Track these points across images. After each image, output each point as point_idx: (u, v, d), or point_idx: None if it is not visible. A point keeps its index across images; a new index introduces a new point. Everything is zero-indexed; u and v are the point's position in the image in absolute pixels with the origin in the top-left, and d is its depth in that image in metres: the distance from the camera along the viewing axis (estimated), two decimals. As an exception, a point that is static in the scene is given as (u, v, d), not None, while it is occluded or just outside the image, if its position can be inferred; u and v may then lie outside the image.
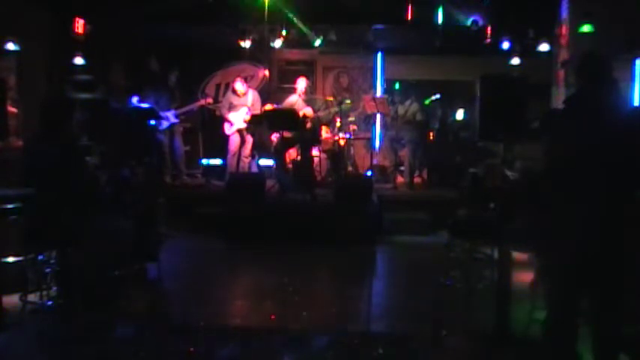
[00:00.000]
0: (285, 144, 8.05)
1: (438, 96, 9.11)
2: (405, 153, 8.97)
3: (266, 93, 9.48)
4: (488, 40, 8.92)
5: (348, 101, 8.86)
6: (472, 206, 5.18)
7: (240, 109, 8.50)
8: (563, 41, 8.16)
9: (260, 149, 9.27)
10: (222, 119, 8.65)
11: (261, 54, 9.93)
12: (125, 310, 4.42)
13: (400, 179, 9.08)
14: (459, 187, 6.18)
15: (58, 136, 4.13)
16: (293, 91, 8.33)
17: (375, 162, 9.27)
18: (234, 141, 8.60)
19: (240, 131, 8.57)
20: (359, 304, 4.92)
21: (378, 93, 9.96)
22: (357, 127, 9.40)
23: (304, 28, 9.24)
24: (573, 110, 3.05)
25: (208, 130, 9.63)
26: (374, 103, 8.70)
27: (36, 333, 3.97)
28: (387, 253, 6.84)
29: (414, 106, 8.70)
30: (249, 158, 8.83)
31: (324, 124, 8.69)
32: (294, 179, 8.02)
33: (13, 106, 7.39)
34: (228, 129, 8.58)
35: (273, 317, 4.47)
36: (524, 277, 4.36)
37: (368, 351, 3.84)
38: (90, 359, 3.71)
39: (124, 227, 4.53)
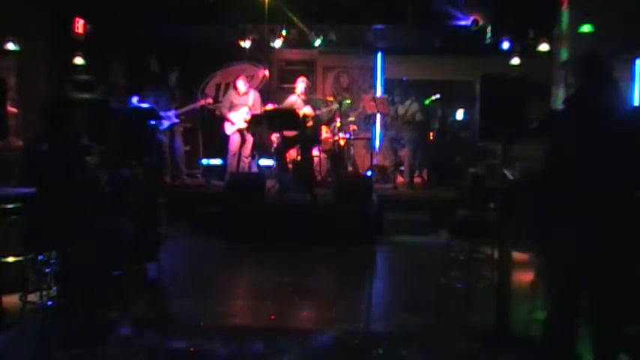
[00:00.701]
0: (285, 144, 8.05)
1: (438, 96, 9.11)
2: (405, 153, 8.97)
3: (266, 93, 9.48)
4: (489, 40, 8.92)
5: (348, 101, 8.86)
6: (472, 206, 5.17)
7: (241, 109, 8.50)
8: (563, 41, 8.16)
9: (260, 149, 9.27)
10: (223, 119, 8.65)
11: (261, 54, 9.93)
12: (125, 310, 4.41)
13: (400, 179, 9.09)
14: (458, 187, 6.18)
15: (59, 136, 4.13)
16: (293, 91, 8.33)
17: (375, 162, 9.27)
18: (235, 141, 8.60)
19: (240, 131, 8.58)
20: (359, 304, 4.92)
21: (378, 93, 9.96)
22: (357, 127, 9.40)
23: (304, 28, 9.24)
24: (573, 110, 3.05)
25: (208, 130, 9.63)
26: (374, 103, 8.70)
27: (36, 333, 3.97)
28: (387, 253, 6.84)
29: (414, 106, 8.71)
30: (250, 158, 8.83)
31: (324, 124, 8.68)
32: (294, 179, 8.02)
33: (13, 106, 7.40)
34: (228, 129, 8.58)
35: (273, 317, 4.47)
36: (524, 277, 4.36)
37: (368, 351, 3.84)
38: (90, 359, 3.71)
39: (124, 227, 4.53)
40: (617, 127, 2.93)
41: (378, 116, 9.67)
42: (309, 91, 8.39)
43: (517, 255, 4.19)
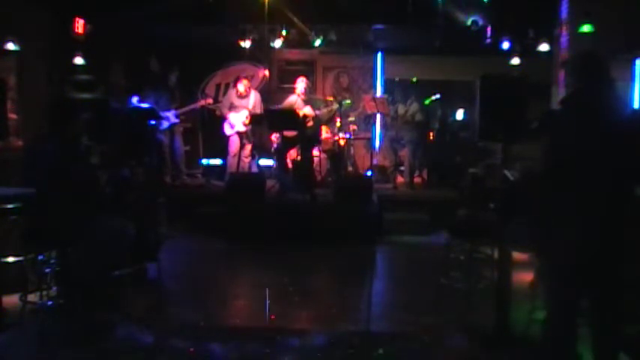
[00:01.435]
0: (285, 144, 8.05)
1: (438, 96, 9.11)
2: (405, 153, 8.98)
3: (266, 93, 9.48)
4: (488, 40, 8.92)
5: (348, 101, 8.86)
6: (472, 206, 5.18)
7: (241, 111, 8.48)
8: (563, 41, 8.16)
9: (260, 149, 9.27)
10: (223, 119, 8.65)
11: (261, 54, 9.93)
12: (125, 310, 4.41)
13: (400, 179, 9.09)
14: (459, 187, 6.19)
15: (59, 136, 4.14)
16: (293, 91, 8.33)
17: (375, 162, 9.27)
18: (234, 143, 8.59)
19: (239, 134, 8.56)
20: (359, 304, 4.92)
21: (378, 93, 9.96)
22: (357, 127, 9.40)
23: (304, 28, 9.24)
24: (570, 110, 3.05)
25: (208, 130, 9.63)
26: (374, 103, 8.70)
27: (36, 333, 3.97)
28: (387, 253, 6.84)
29: (414, 106, 8.71)
30: (249, 158, 8.83)
31: (324, 124, 8.68)
32: (294, 179, 8.02)
33: (13, 111, 7.40)
34: (227, 130, 8.58)
35: (273, 317, 4.47)
36: (524, 277, 4.37)
37: (368, 351, 3.84)
38: (90, 359, 3.71)
39: (124, 227, 4.53)
40: (615, 126, 2.93)
41: (378, 116, 9.67)
42: (309, 91, 8.39)
43: (517, 255, 4.20)
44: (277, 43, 9.46)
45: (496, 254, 4.17)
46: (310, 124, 7.98)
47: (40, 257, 4.23)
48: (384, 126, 10.11)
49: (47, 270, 4.29)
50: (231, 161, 8.62)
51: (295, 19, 8.97)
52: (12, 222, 4.52)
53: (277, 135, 8.30)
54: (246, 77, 8.97)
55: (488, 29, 8.89)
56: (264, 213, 7.19)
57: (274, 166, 8.63)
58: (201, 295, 4.98)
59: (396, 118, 8.95)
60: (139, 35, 9.06)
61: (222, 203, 7.39)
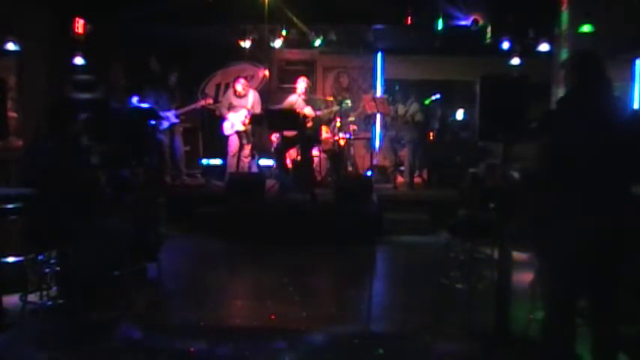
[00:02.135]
0: (285, 144, 8.05)
1: (438, 96, 9.11)
2: (405, 153, 8.98)
3: (266, 93, 9.49)
4: (488, 40, 8.92)
5: (348, 101, 8.86)
6: (472, 206, 5.17)
7: (240, 111, 8.49)
8: (563, 41, 8.16)
9: (260, 149, 9.27)
10: (222, 119, 8.65)
11: (261, 54, 9.93)
12: (125, 310, 4.41)
13: (400, 179, 9.09)
14: (459, 187, 6.18)
15: (59, 136, 4.14)
16: (293, 91, 8.33)
17: (375, 162, 9.27)
18: (233, 142, 8.60)
19: (238, 133, 8.57)
20: (359, 304, 4.93)
21: (378, 93, 9.96)
22: (357, 127, 9.41)
23: (304, 28, 9.24)
24: (567, 110, 3.05)
25: (208, 130, 9.63)
26: (374, 103, 8.70)
27: (36, 333, 3.97)
28: (387, 253, 6.84)
29: (414, 106, 8.71)
30: (249, 158, 8.84)
31: (324, 124, 8.69)
32: (294, 179, 8.02)
33: (13, 110, 7.39)
34: (227, 129, 8.58)
35: (273, 317, 4.47)
36: (524, 277, 4.36)
37: (368, 351, 3.84)
38: (90, 359, 3.71)
39: (124, 227, 4.53)
40: (612, 126, 2.93)
41: (378, 116, 9.67)
42: (310, 91, 8.40)
43: (517, 255, 4.20)
44: (277, 43, 9.46)
45: (496, 254, 4.17)
46: (310, 124, 7.98)
47: (40, 257, 4.24)
48: (384, 126, 10.11)
49: (47, 270, 4.29)
50: (231, 161, 8.63)
51: (295, 19, 8.96)
52: (12, 222, 4.52)
53: (277, 135, 8.30)
54: (244, 77, 8.98)
55: (488, 29, 8.88)
56: (264, 213, 7.19)
57: (274, 166, 8.63)
58: (201, 295, 4.97)
59: (396, 118, 8.95)
60: (139, 35, 9.06)
61: (222, 203, 7.39)
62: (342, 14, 8.83)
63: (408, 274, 5.86)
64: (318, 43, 9.46)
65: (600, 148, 2.86)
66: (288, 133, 7.89)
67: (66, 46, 8.45)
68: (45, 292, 4.26)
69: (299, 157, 8.07)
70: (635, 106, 8.50)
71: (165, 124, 8.44)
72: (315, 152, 8.51)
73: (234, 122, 8.50)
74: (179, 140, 8.79)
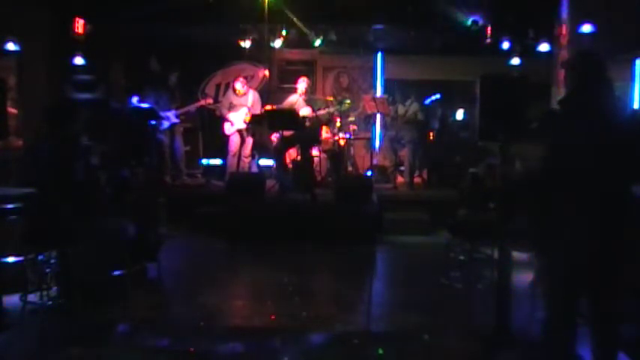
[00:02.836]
0: (285, 144, 8.05)
1: (438, 96, 9.10)
2: (405, 153, 8.97)
3: (266, 93, 9.49)
4: (488, 40, 8.91)
5: (348, 101, 8.86)
6: (472, 206, 5.18)
7: (240, 110, 8.51)
8: (563, 41, 8.16)
9: (260, 149, 9.27)
10: (222, 119, 8.66)
11: (261, 54, 9.92)
12: (125, 310, 4.42)
13: (400, 179, 9.09)
14: (459, 187, 6.18)
15: (59, 136, 4.14)
16: (294, 91, 8.34)
17: (375, 162, 9.27)
18: (234, 141, 8.61)
19: (240, 132, 8.59)
20: (359, 304, 4.93)
21: (378, 93, 9.96)
22: (357, 127, 9.40)
23: (304, 28, 9.24)
24: (568, 110, 3.05)
25: (208, 130, 9.63)
26: (374, 103, 8.70)
27: (36, 333, 3.97)
28: (387, 253, 6.84)
29: (414, 106, 8.71)
30: (249, 158, 8.84)
31: (324, 124, 8.69)
32: (294, 179, 8.02)
33: (13, 107, 7.40)
34: (228, 129, 8.60)
35: (273, 317, 4.47)
36: (524, 277, 4.37)
37: (368, 351, 3.84)
38: (90, 359, 3.71)
39: (124, 227, 4.54)
40: (613, 126, 2.93)
41: (378, 116, 9.67)
42: (310, 91, 8.40)
43: (517, 255, 4.20)
44: (277, 43, 9.46)
45: (496, 254, 4.17)
46: (310, 124, 7.98)
47: (40, 257, 4.24)
48: (384, 126, 10.10)
49: (47, 270, 4.30)
50: (231, 161, 8.64)
51: (295, 19, 8.96)
52: (12, 222, 4.52)
53: (277, 135, 8.30)
54: (243, 76, 8.99)
55: (488, 29, 8.88)
56: (264, 213, 7.19)
57: (274, 166, 8.64)
58: (201, 295, 4.97)
59: (396, 118, 8.94)
60: (139, 35, 9.06)
61: (222, 203, 7.39)
62: (342, 14, 8.82)
63: (408, 274, 5.85)
64: (318, 43, 9.46)
65: (601, 149, 2.86)
66: (288, 133, 7.89)
67: (66, 46, 8.45)
68: (45, 292, 4.26)
69: (299, 157, 8.07)
70: (635, 106, 8.50)
71: (166, 124, 8.44)
72: (315, 152, 8.51)
73: (235, 121, 8.51)
74: (179, 140, 8.79)
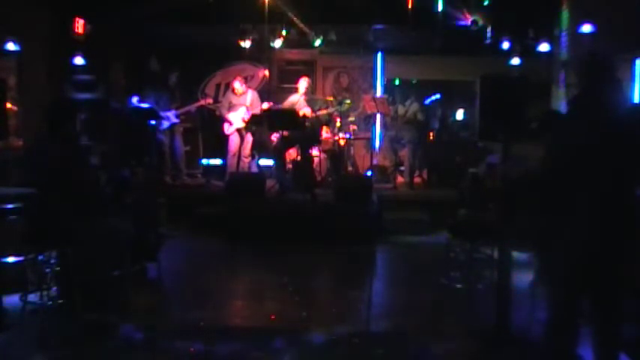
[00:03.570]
0: (285, 144, 8.05)
1: (438, 96, 9.10)
2: (405, 153, 8.98)
3: (266, 93, 9.49)
4: (488, 40, 8.92)
5: (348, 101, 8.86)
6: (472, 206, 5.18)
7: (239, 109, 8.52)
8: (563, 41, 8.16)
9: (260, 149, 9.27)
10: (222, 119, 8.66)
11: (261, 54, 9.93)
12: (125, 310, 4.41)
13: (400, 179, 9.09)
14: (459, 187, 6.18)
15: (59, 136, 4.14)
16: (294, 91, 8.34)
17: (375, 162, 9.27)
18: (234, 141, 8.61)
19: (239, 131, 8.59)
20: (359, 304, 4.92)
21: (378, 93, 9.96)
22: (357, 127, 9.40)
23: (304, 28, 9.24)
24: (578, 111, 3.04)
25: (208, 130, 9.63)
26: (374, 103, 8.70)
27: (36, 333, 3.97)
28: (387, 253, 6.84)
29: (414, 106, 8.71)
30: (249, 158, 8.84)
31: (324, 124, 8.69)
32: (294, 179, 8.02)
33: (13, 104, 7.39)
34: (227, 129, 8.60)
35: (273, 317, 4.47)
36: (524, 277, 4.36)
37: (368, 351, 3.84)
38: (90, 359, 3.71)
39: (124, 227, 4.53)
40: (623, 126, 2.93)
41: (378, 116, 9.67)
42: (310, 90, 8.40)
43: (517, 255, 4.20)
44: (277, 43, 9.46)
45: (496, 254, 4.17)
46: (310, 124, 7.98)
47: (40, 257, 4.23)
48: (384, 126, 10.11)
49: (47, 270, 4.29)
50: (231, 160, 8.64)
51: (295, 19, 8.96)
52: (12, 222, 4.52)
53: (277, 135, 8.30)
54: (241, 76, 9.00)
55: (489, 29, 8.88)
56: (264, 213, 7.18)
57: (274, 166, 8.64)
58: (201, 295, 4.97)
59: (396, 118, 8.95)
60: (139, 35, 9.06)
61: (222, 203, 7.39)
62: (342, 14, 8.83)
63: (408, 274, 5.85)
64: (318, 43, 9.46)
65: (609, 149, 2.86)
66: (288, 133, 7.89)
67: (66, 46, 8.45)
68: (45, 292, 4.26)
69: (299, 157, 8.07)
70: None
71: (166, 124, 8.44)
72: (315, 152, 8.51)
73: (234, 120, 8.51)
74: (179, 140, 8.79)
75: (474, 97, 8.69)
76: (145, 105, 8.12)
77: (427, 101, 8.98)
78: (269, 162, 9.12)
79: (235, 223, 7.05)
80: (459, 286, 4.86)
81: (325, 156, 8.82)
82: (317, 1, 8.75)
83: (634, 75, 8.51)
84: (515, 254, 4.12)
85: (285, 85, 9.75)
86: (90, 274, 4.21)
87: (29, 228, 4.16)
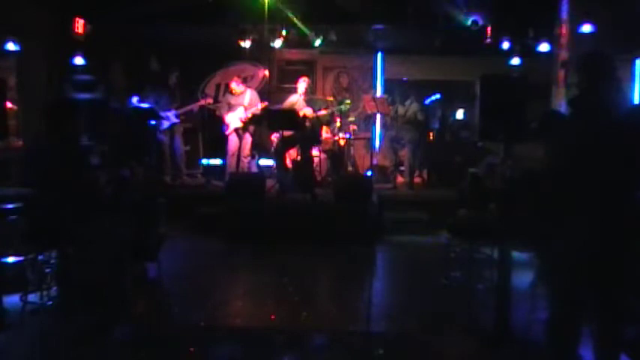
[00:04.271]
0: (285, 144, 8.05)
1: (438, 96, 9.10)
2: (405, 153, 8.97)
3: (266, 93, 9.49)
4: (488, 40, 8.92)
5: (348, 101, 8.86)
6: (472, 206, 5.17)
7: (237, 109, 8.51)
8: (563, 41, 8.16)
9: (260, 149, 9.27)
10: (222, 119, 8.66)
11: (261, 54, 9.92)
12: (125, 310, 4.41)
13: (400, 179, 9.09)
14: (459, 187, 6.18)
15: (59, 136, 4.14)
16: (294, 90, 8.33)
17: (375, 162, 9.26)
18: (233, 141, 8.61)
19: (237, 131, 8.57)
20: (359, 304, 4.92)
21: (378, 93, 9.96)
22: (357, 127, 9.41)
23: (304, 28, 9.24)
24: (579, 111, 3.04)
25: (208, 130, 9.63)
26: (374, 103, 8.70)
27: (36, 333, 3.97)
28: (387, 253, 6.84)
29: (414, 106, 8.71)
30: (249, 158, 8.84)
31: (324, 124, 8.68)
32: (294, 179, 8.02)
33: (13, 104, 7.39)
34: (226, 129, 8.60)
35: (273, 317, 4.47)
36: (524, 277, 4.36)
37: (368, 351, 3.84)
38: (90, 359, 3.71)
39: (124, 227, 4.53)
40: (623, 127, 2.93)
41: (378, 116, 9.67)
42: (310, 91, 8.40)
43: (517, 255, 4.20)
44: (277, 43, 9.46)
45: (496, 254, 4.17)
46: (310, 124, 7.98)
47: (40, 257, 4.23)
48: (384, 126, 10.10)
49: (47, 270, 4.29)
50: (231, 161, 8.63)
51: (295, 19, 8.96)
52: (12, 222, 4.52)
53: (277, 135, 8.30)
54: (242, 77, 9.00)
55: (489, 29, 8.89)
56: (264, 213, 7.18)
57: (274, 166, 8.63)
58: (201, 295, 4.97)
59: (396, 118, 8.95)
60: (139, 35, 9.06)
61: (222, 203, 7.39)
62: (342, 14, 8.84)
63: (408, 274, 5.86)
64: (318, 43, 9.46)
65: (610, 149, 2.86)
66: (288, 133, 7.89)
67: (66, 46, 8.45)
68: (45, 292, 4.26)
69: (299, 157, 8.07)
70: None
71: (166, 124, 8.44)
72: (315, 152, 8.51)
73: (233, 120, 8.51)
74: (179, 140, 8.79)
75: (474, 97, 8.70)
76: (145, 105, 8.11)
77: (427, 101, 8.98)
78: (269, 162, 9.12)
79: (235, 223, 7.05)
80: (459, 286, 4.86)
81: (325, 156, 8.82)
82: (317, 1, 8.76)
83: (634, 75, 8.52)
84: (515, 254, 4.12)
85: (285, 85, 9.75)
86: (90, 274, 4.21)
87: (29, 228, 4.16)
